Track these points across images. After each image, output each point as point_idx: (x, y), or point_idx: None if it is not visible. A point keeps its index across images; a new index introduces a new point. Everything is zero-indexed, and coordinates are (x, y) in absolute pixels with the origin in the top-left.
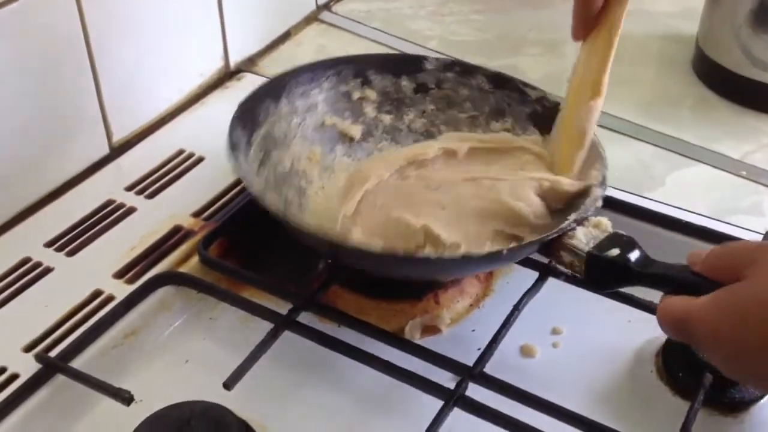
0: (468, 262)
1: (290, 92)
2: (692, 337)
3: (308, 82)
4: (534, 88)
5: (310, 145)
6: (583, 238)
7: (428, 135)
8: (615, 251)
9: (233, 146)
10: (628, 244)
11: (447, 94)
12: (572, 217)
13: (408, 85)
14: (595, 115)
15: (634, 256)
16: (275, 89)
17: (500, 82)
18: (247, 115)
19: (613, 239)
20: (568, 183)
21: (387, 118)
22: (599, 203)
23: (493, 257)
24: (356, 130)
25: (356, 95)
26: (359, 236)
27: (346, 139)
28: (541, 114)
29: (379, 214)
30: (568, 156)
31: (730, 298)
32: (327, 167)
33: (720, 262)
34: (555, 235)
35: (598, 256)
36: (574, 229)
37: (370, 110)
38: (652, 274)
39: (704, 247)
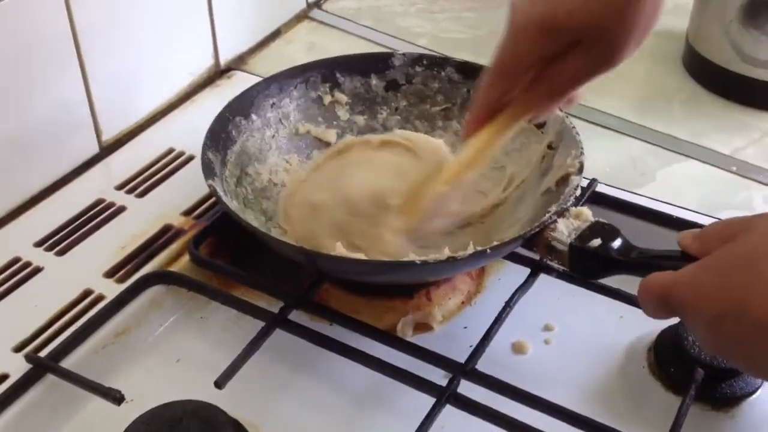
0: (453, 263)
1: (259, 106)
2: (677, 303)
3: (277, 93)
4: None
5: (286, 155)
6: (565, 230)
7: (402, 131)
8: (597, 241)
9: (207, 169)
10: (610, 233)
11: (418, 88)
12: (553, 209)
13: (378, 84)
14: (436, 200)
15: (616, 244)
16: (244, 105)
17: (470, 71)
18: (219, 135)
19: (594, 229)
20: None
21: (361, 119)
22: (578, 192)
23: (478, 256)
24: (331, 135)
25: (327, 99)
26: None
27: (322, 144)
28: None
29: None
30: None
31: (715, 258)
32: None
33: (710, 235)
34: (537, 230)
35: (580, 248)
36: (555, 221)
37: (342, 113)
38: (635, 261)
39: None
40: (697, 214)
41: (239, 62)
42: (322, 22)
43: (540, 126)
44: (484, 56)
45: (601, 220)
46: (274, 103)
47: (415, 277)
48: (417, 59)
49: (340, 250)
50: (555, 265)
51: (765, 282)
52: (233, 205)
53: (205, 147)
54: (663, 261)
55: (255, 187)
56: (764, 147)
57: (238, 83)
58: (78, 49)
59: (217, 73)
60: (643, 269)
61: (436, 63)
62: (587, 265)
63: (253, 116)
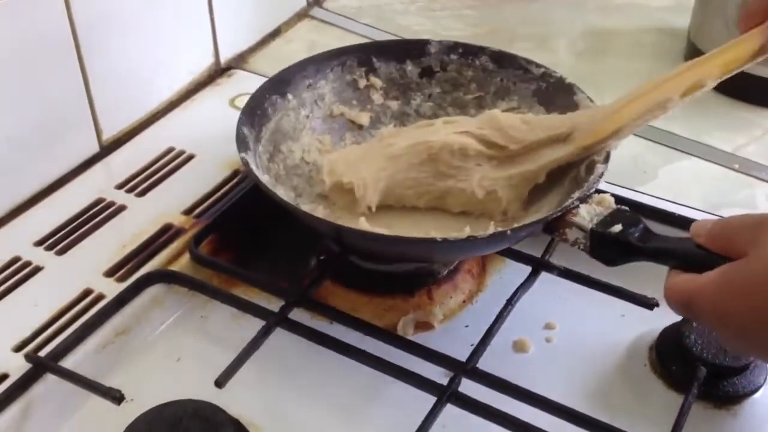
0: (473, 243)
1: (296, 86)
2: (699, 315)
3: (313, 75)
4: (538, 65)
5: (320, 135)
6: (587, 215)
7: (436, 118)
8: (618, 227)
9: (241, 143)
10: (631, 219)
11: (452, 76)
12: (576, 194)
13: (413, 70)
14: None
15: (636, 231)
16: (281, 84)
17: (504, 60)
18: (255, 111)
19: (615, 215)
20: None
21: (394, 104)
22: (602, 180)
23: (498, 238)
24: (365, 118)
25: (362, 83)
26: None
27: (355, 127)
28: (545, 90)
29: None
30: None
31: (733, 277)
32: None
33: (722, 234)
34: (558, 214)
35: (601, 233)
36: (577, 206)
37: (377, 97)
38: (654, 248)
39: None
40: (700, 211)
41: (240, 61)
42: (322, 21)
43: None
44: None
45: (622, 207)
46: (310, 84)
47: (436, 255)
48: (452, 47)
49: (363, 224)
50: (577, 248)
51: None
52: (264, 178)
53: (240, 122)
54: (682, 250)
55: (287, 164)
56: (766, 144)
57: (239, 82)
58: (78, 48)
59: (218, 72)
60: (661, 256)
61: (471, 51)
62: (607, 251)
63: (289, 96)
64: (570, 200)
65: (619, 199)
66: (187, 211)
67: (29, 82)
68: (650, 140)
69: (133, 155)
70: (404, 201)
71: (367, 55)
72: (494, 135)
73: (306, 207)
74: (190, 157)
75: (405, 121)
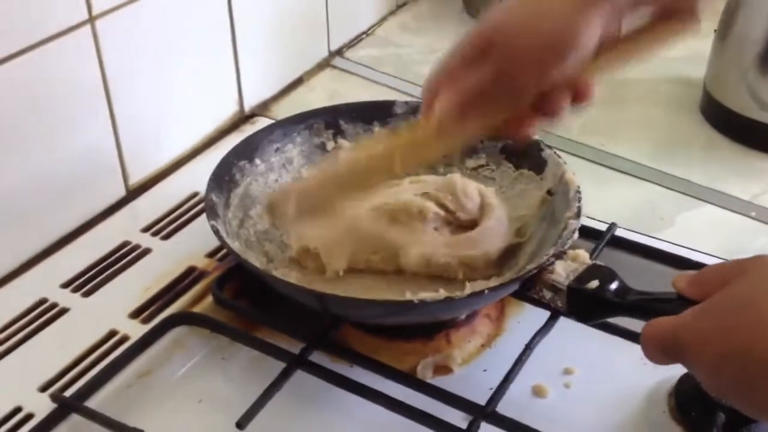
0: (449, 304)
1: (264, 150)
2: (679, 347)
3: (281, 139)
4: None
5: None
6: (563, 272)
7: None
8: (594, 283)
9: (210, 211)
10: (608, 275)
11: None
12: (551, 251)
13: (380, 131)
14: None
15: (613, 286)
16: (248, 149)
17: None
18: (223, 178)
19: (592, 271)
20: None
21: None
22: (576, 236)
23: (476, 297)
24: None
25: (330, 146)
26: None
27: None
28: (512, 147)
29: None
30: None
31: (713, 306)
32: None
33: (703, 280)
34: (535, 271)
35: (578, 290)
36: (553, 263)
37: None
38: (632, 303)
39: None
40: (717, 258)
41: (263, 108)
42: (344, 70)
43: (539, 173)
44: None
45: (598, 262)
46: (278, 148)
47: (414, 317)
48: (418, 107)
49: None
50: (555, 306)
51: (766, 323)
52: (235, 246)
53: (209, 189)
54: (660, 303)
55: (257, 230)
56: None
57: None
58: (107, 95)
59: (242, 119)
60: (640, 311)
61: None
62: (585, 307)
63: (257, 160)
64: (546, 257)
65: (635, 245)
66: (211, 254)
67: (60, 127)
68: (667, 188)
69: (159, 200)
70: (372, 266)
71: (334, 117)
72: (448, 199)
73: (278, 272)
74: None
75: None
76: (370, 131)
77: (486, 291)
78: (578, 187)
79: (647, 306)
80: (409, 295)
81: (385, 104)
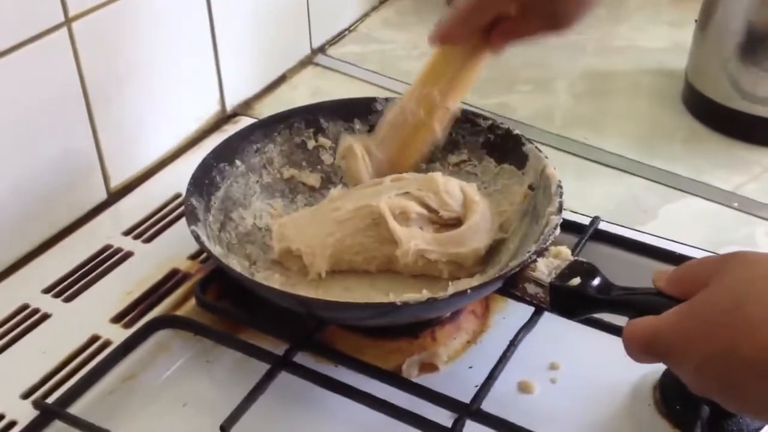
0: (432, 304)
1: (244, 152)
2: (662, 347)
3: (261, 139)
4: (485, 117)
5: (270, 200)
6: (545, 268)
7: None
8: (576, 280)
9: (190, 215)
10: (589, 271)
11: None
12: (533, 248)
13: (361, 128)
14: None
15: (595, 283)
16: (228, 151)
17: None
18: (203, 181)
19: (573, 267)
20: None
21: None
22: (557, 232)
23: (458, 297)
24: (315, 179)
25: (311, 144)
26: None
27: (306, 188)
28: (494, 142)
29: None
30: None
31: (694, 307)
32: None
33: (683, 277)
34: (518, 269)
35: (560, 287)
36: (535, 261)
37: (326, 158)
38: (613, 299)
39: None
40: (700, 250)
41: (245, 107)
42: (326, 67)
43: (520, 167)
44: (485, 97)
45: (579, 258)
46: (258, 149)
47: (398, 318)
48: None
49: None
50: (538, 302)
51: (749, 322)
52: (216, 250)
53: (189, 193)
54: (641, 299)
55: (239, 232)
56: (765, 182)
57: None
58: (86, 97)
59: (224, 119)
60: (622, 307)
61: None
62: (567, 304)
63: (237, 162)
64: (528, 254)
65: (619, 239)
66: (193, 256)
67: (39, 131)
68: (650, 180)
69: (141, 202)
70: (354, 266)
71: (314, 115)
72: (430, 198)
73: (261, 275)
74: None
75: None
76: (350, 129)
77: (469, 291)
78: (560, 181)
79: (629, 302)
80: (392, 297)
81: (366, 101)
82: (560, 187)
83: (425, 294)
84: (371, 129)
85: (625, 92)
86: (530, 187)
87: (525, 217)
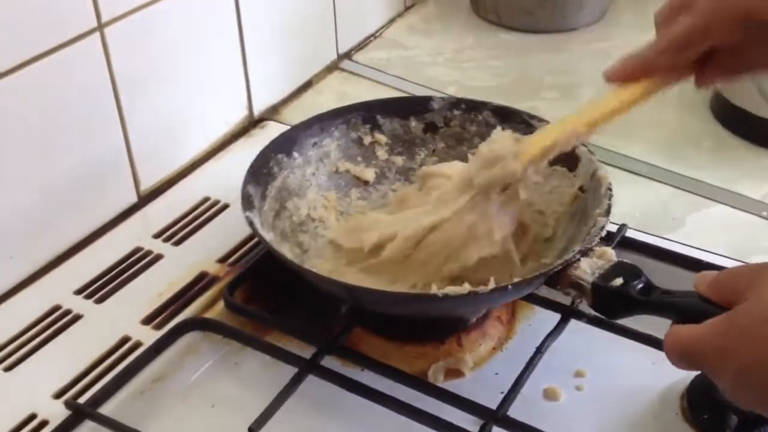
0: (474, 298)
1: (302, 144)
2: (700, 360)
3: (319, 133)
4: (540, 119)
5: (325, 191)
6: (588, 268)
7: None
8: (619, 281)
9: (246, 202)
10: (632, 272)
11: (455, 131)
12: (577, 248)
13: (417, 126)
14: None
15: (638, 284)
16: (286, 143)
17: (506, 115)
18: (261, 170)
19: (617, 268)
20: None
21: (399, 160)
22: (603, 233)
23: (500, 292)
24: (370, 174)
25: (367, 140)
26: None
27: (361, 182)
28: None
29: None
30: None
31: (734, 318)
32: (343, 212)
33: (724, 283)
34: (560, 268)
35: (602, 287)
36: (578, 260)
37: (381, 153)
38: (656, 301)
39: None
40: (729, 258)
41: (272, 112)
42: (352, 73)
43: (572, 169)
44: (510, 102)
45: (624, 260)
46: (315, 143)
47: (438, 310)
48: (455, 103)
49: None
50: (580, 305)
51: None
52: (269, 236)
53: (246, 181)
54: (683, 302)
55: (293, 221)
56: None
57: (271, 133)
58: (118, 101)
59: (251, 124)
60: (663, 309)
61: (473, 107)
62: (609, 304)
63: (295, 154)
64: (571, 254)
65: (646, 246)
66: (222, 260)
67: (71, 134)
68: (678, 188)
69: (170, 205)
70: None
71: (371, 112)
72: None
73: (309, 264)
74: (225, 207)
75: (410, 176)
76: (406, 126)
77: (509, 287)
78: (609, 184)
79: (671, 305)
80: (434, 289)
81: (422, 99)
82: (610, 189)
83: (466, 287)
84: (426, 127)
85: (652, 100)
86: (581, 189)
87: (574, 218)
